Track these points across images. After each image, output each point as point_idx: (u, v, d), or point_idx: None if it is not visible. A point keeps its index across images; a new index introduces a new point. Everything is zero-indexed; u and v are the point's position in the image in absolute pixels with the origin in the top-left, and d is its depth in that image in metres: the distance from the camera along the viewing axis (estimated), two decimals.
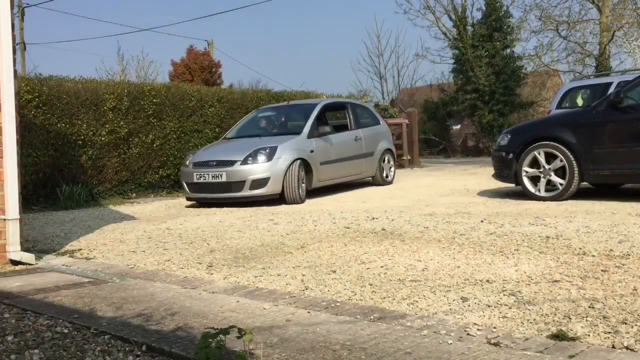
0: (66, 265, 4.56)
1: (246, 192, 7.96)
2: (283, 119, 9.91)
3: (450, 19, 24.39)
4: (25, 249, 4.80)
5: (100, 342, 2.64)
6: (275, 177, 8.05)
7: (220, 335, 2.15)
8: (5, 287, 3.86)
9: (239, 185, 7.98)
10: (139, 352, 2.50)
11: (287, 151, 8.31)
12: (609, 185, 7.59)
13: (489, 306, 2.89)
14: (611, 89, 8.93)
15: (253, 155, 8.09)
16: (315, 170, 8.73)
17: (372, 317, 2.81)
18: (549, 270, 3.52)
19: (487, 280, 3.37)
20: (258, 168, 8.03)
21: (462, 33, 23.30)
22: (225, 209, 7.99)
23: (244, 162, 8.02)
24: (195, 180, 8.22)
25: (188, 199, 8.71)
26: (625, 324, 2.53)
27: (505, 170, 7.36)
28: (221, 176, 8.03)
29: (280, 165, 8.13)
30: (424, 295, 3.14)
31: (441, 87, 26.11)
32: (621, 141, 6.45)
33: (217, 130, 11.47)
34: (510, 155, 7.22)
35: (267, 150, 8.14)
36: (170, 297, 3.41)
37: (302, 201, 8.30)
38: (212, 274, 4.01)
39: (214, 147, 9.10)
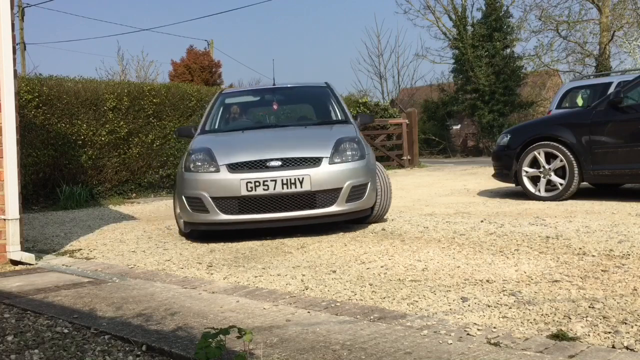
0: (66, 265, 4.56)
1: (341, 207, 5.14)
2: (275, 107, 7.20)
3: (450, 19, 24.42)
4: (25, 249, 4.80)
5: (100, 342, 2.64)
6: (373, 183, 5.46)
7: (220, 335, 2.15)
8: (5, 287, 3.86)
9: (330, 196, 5.12)
10: (139, 352, 2.50)
11: (367, 146, 5.75)
12: (609, 185, 7.59)
13: (489, 306, 2.89)
14: (611, 89, 8.93)
15: (338, 149, 5.32)
16: None
17: (372, 317, 2.81)
18: (549, 270, 3.52)
19: (487, 280, 3.37)
20: (355, 169, 5.29)
21: (462, 33, 23.31)
22: None
23: (332, 159, 5.23)
24: (244, 193, 5.00)
25: (212, 224, 5.21)
26: (625, 324, 2.53)
27: (505, 170, 7.36)
28: (301, 182, 5.02)
29: (372, 165, 5.60)
30: (424, 295, 3.14)
31: (441, 87, 26.14)
32: (621, 141, 6.45)
33: None
34: (510, 155, 7.23)
35: (356, 142, 5.51)
36: (170, 297, 3.41)
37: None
38: (212, 274, 4.01)
39: (234, 139, 5.82)
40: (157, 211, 8.24)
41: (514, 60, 23.21)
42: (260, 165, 5.13)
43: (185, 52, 26.03)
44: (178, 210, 5.68)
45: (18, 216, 4.61)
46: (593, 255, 3.84)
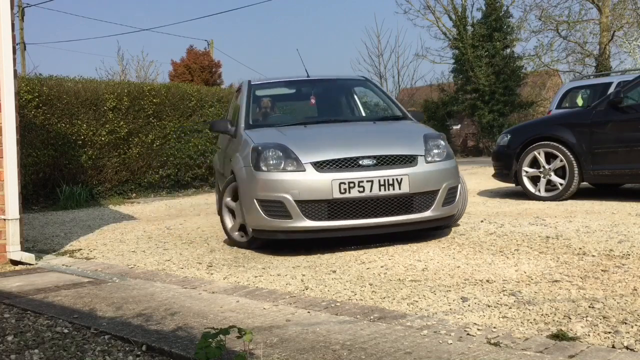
0: (66, 265, 4.56)
1: (436, 212, 4.61)
2: (313, 101, 6.43)
3: (450, 19, 24.40)
4: (25, 249, 4.80)
5: (100, 342, 2.64)
6: (461, 186, 5.02)
7: (220, 335, 2.15)
8: (5, 287, 3.86)
9: (427, 199, 4.58)
10: (139, 352, 2.50)
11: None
12: (609, 185, 7.59)
13: (489, 306, 2.89)
14: (611, 89, 8.93)
15: (427, 147, 4.78)
16: None
17: (372, 317, 2.81)
18: (549, 270, 3.52)
19: (487, 280, 3.37)
20: (450, 169, 4.83)
21: (462, 33, 23.30)
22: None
23: (426, 158, 4.69)
24: (336, 196, 4.37)
25: (295, 231, 4.49)
26: (625, 324, 2.54)
27: (505, 170, 7.36)
28: (399, 183, 4.46)
29: (457, 166, 5.04)
30: (424, 295, 3.14)
31: (441, 87, 26.11)
32: (621, 141, 6.45)
33: None
34: (510, 155, 7.22)
35: (442, 139, 5.00)
36: (170, 297, 3.41)
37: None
38: (212, 274, 4.01)
39: (307, 135, 5.10)
40: (157, 211, 8.24)
41: (514, 60, 23.19)
42: (351, 163, 4.51)
43: (185, 52, 26.00)
44: (229, 218, 5.04)
45: (18, 216, 4.61)
46: (593, 255, 3.84)
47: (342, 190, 4.37)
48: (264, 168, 4.56)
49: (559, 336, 2.41)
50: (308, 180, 4.42)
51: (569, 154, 6.70)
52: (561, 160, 6.76)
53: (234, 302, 3.22)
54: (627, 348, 2.28)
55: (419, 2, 38.91)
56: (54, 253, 5.15)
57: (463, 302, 2.99)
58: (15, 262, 4.63)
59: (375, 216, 4.43)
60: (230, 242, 5.06)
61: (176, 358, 2.40)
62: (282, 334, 2.61)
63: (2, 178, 4.55)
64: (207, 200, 9.42)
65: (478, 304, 2.93)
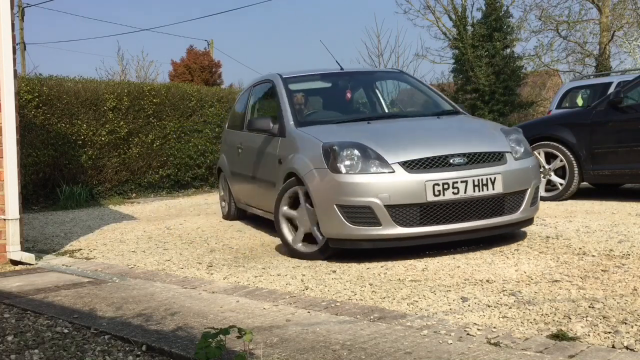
0: (66, 265, 4.56)
1: (525, 213, 4.36)
2: (349, 96, 6.06)
3: (450, 19, 24.40)
4: (25, 249, 4.80)
5: (100, 342, 2.64)
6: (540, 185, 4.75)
7: (220, 335, 2.15)
8: (5, 287, 3.86)
9: (517, 199, 4.30)
10: (139, 352, 2.50)
11: None
12: (609, 185, 7.59)
13: (489, 306, 2.89)
14: (611, 89, 8.92)
15: (509, 142, 4.49)
16: None
17: (372, 317, 2.81)
18: (549, 270, 3.52)
19: (487, 280, 3.37)
20: (535, 166, 4.59)
21: (462, 33, 23.30)
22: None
23: (512, 154, 4.40)
24: (430, 199, 3.99)
25: (384, 240, 4.07)
26: (625, 324, 2.54)
27: None
28: (493, 183, 4.14)
29: (538, 163, 4.75)
30: (424, 295, 3.14)
31: (441, 87, 26.09)
32: (621, 141, 6.45)
33: (217, 130, 11.47)
34: None
35: (519, 133, 4.73)
36: (170, 297, 3.41)
37: None
38: (212, 274, 4.01)
39: (380, 131, 4.68)
40: (157, 211, 8.24)
41: (514, 60, 23.18)
42: (441, 162, 4.11)
43: (185, 52, 26.01)
44: (287, 228, 4.52)
45: (18, 216, 4.61)
46: (593, 255, 3.84)
47: (436, 193, 4.00)
48: (342, 170, 4.09)
49: (559, 336, 2.41)
50: (399, 182, 4.01)
51: (569, 154, 6.70)
52: (561, 160, 6.76)
53: (234, 302, 3.22)
54: (627, 348, 2.28)
55: (419, 2, 38.89)
56: (54, 253, 5.15)
57: (463, 302, 2.99)
58: (15, 262, 4.63)
59: (468, 220, 4.10)
60: (290, 253, 4.49)
61: (176, 358, 2.40)
62: (282, 334, 2.61)
63: (2, 178, 4.55)
64: (207, 200, 9.43)
65: (478, 304, 2.94)
